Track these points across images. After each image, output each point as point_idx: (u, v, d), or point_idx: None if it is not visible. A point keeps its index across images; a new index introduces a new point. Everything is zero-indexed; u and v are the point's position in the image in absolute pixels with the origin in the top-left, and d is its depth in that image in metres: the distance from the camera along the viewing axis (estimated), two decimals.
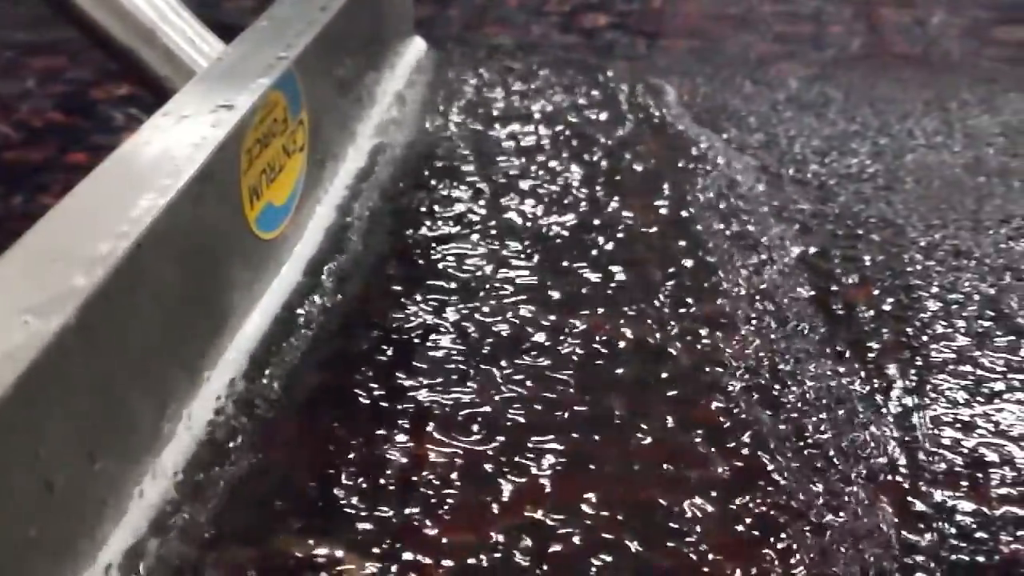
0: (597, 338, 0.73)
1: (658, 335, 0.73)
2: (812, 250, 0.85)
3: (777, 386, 0.69)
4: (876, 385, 0.69)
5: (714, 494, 0.59)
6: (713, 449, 0.63)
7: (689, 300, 0.78)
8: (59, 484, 0.46)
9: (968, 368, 0.71)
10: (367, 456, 0.62)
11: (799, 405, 0.67)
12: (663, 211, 0.91)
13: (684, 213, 0.90)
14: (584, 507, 0.58)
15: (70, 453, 0.48)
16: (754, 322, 0.75)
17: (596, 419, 0.65)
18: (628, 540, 0.56)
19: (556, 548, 0.56)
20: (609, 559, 0.55)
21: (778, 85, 1.20)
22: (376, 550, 0.55)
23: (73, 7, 0.82)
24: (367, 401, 0.67)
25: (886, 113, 1.13)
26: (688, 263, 0.82)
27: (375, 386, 0.68)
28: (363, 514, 0.57)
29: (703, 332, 0.74)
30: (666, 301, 0.77)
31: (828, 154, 1.03)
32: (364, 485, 0.59)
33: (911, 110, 1.14)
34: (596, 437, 0.64)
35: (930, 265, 0.83)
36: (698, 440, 0.64)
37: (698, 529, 0.57)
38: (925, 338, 0.74)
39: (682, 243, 0.85)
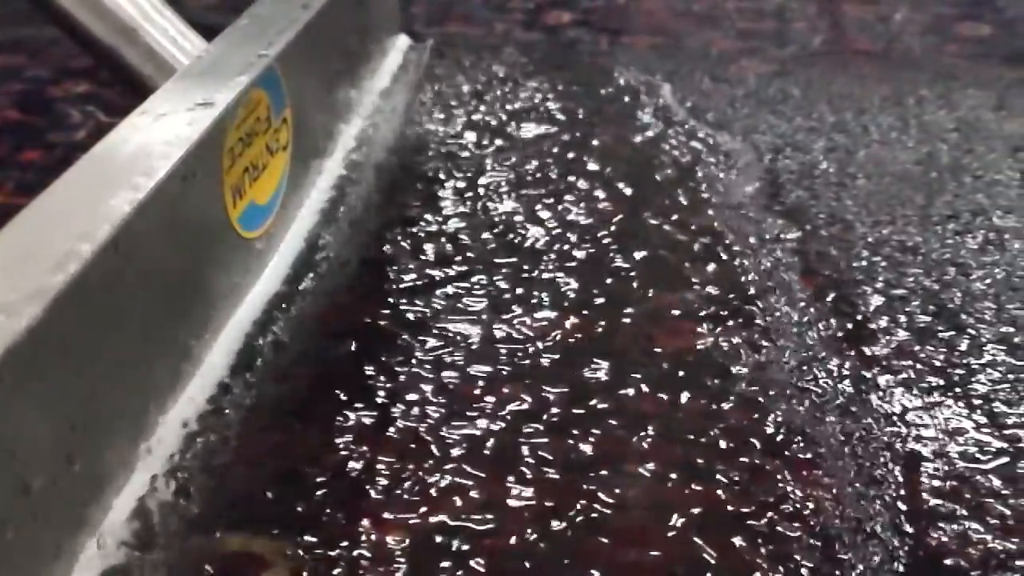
0: (553, 337, 0.73)
1: (603, 326, 0.74)
2: (757, 245, 0.85)
3: (717, 379, 0.69)
4: (816, 377, 0.69)
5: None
6: (644, 444, 0.63)
7: (636, 293, 0.78)
8: (36, 486, 0.46)
9: (907, 362, 0.72)
10: (335, 461, 0.62)
11: (740, 396, 0.67)
12: (616, 204, 0.91)
13: (633, 205, 0.91)
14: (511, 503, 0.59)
15: (48, 454, 0.47)
16: (699, 314, 0.76)
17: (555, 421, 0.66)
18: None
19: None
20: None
21: (737, 82, 1.20)
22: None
23: (53, 4, 0.81)
24: (346, 406, 0.67)
25: (843, 109, 1.13)
26: (638, 255, 0.83)
27: (356, 392, 0.68)
28: (325, 517, 0.58)
29: (647, 326, 0.74)
30: (618, 294, 0.78)
31: (783, 150, 1.03)
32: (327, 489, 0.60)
33: (868, 106, 1.14)
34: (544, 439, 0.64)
35: (875, 260, 0.84)
36: (622, 432, 0.64)
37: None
38: (865, 332, 0.75)
39: (630, 237, 0.86)
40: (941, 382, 0.70)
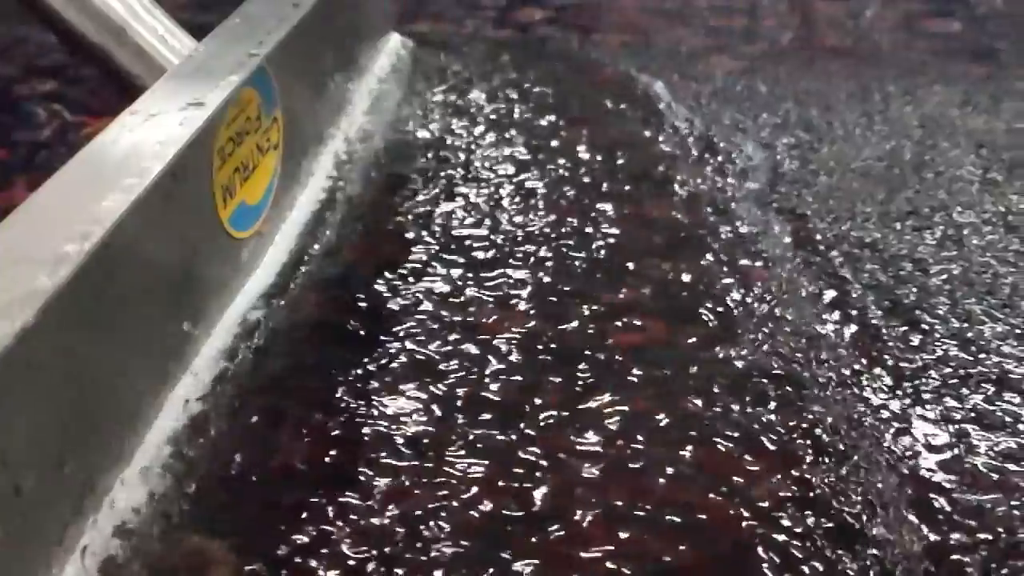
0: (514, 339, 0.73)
1: (563, 325, 0.74)
2: (714, 240, 0.86)
3: (668, 371, 0.69)
4: (769, 372, 0.70)
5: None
6: (606, 436, 0.64)
7: (598, 291, 0.78)
8: (27, 487, 0.46)
9: (858, 356, 0.72)
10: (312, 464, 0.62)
11: (685, 389, 0.68)
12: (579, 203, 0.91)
13: (587, 201, 0.91)
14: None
15: (38, 456, 0.47)
16: (652, 309, 0.76)
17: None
18: None
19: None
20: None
21: (704, 79, 1.21)
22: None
23: (43, 4, 0.81)
24: (332, 405, 0.66)
25: (809, 106, 1.14)
26: (595, 246, 0.83)
27: (342, 393, 0.68)
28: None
29: (611, 319, 0.74)
30: (579, 289, 0.78)
31: (745, 148, 1.04)
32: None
33: (834, 103, 1.15)
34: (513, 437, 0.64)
35: (832, 256, 0.84)
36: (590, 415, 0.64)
37: None
38: (817, 327, 0.75)
39: (588, 229, 0.86)
40: (891, 377, 0.71)
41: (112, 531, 0.53)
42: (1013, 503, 0.60)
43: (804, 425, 0.65)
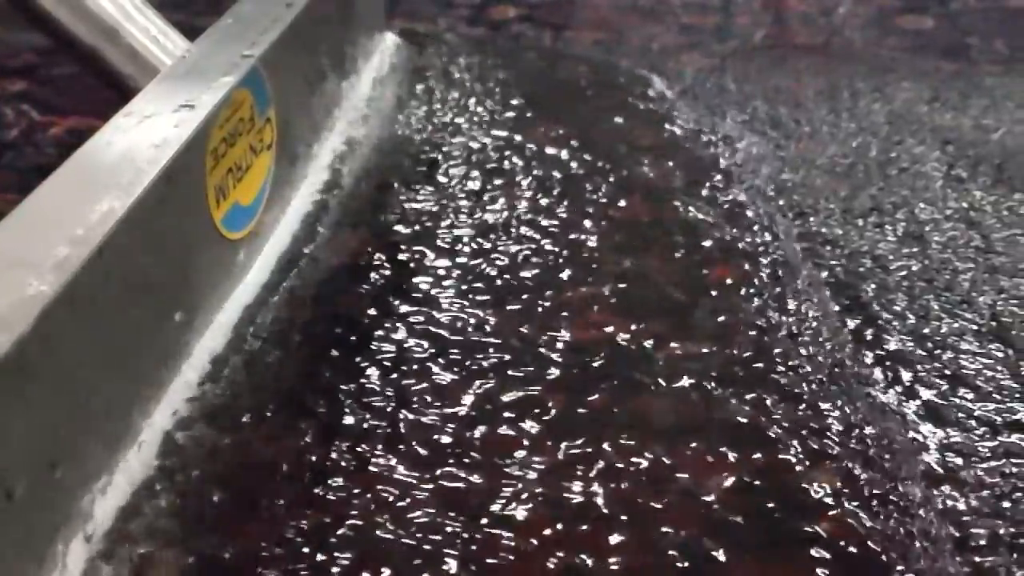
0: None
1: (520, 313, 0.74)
2: (675, 237, 0.86)
3: (625, 367, 0.70)
4: (724, 367, 0.70)
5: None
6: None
7: (559, 283, 0.78)
8: (19, 491, 0.46)
9: (816, 353, 0.73)
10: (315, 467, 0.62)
11: (648, 383, 0.68)
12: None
13: (560, 198, 0.91)
14: None
15: (31, 460, 0.47)
16: (612, 304, 0.76)
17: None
18: None
19: None
20: None
21: (675, 77, 1.21)
22: None
23: (35, 6, 0.80)
24: (324, 410, 0.66)
25: (777, 103, 1.14)
26: (565, 240, 0.83)
27: (338, 394, 0.67)
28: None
29: (572, 313, 0.74)
30: (537, 283, 0.78)
31: (714, 146, 1.04)
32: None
33: (803, 100, 1.15)
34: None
35: (793, 252, 0.85)
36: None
37: None
38: (773, 322, 0.75)
39: (554, 226, 0.86)
40: (843, 373, 0.71)
41: (109, 534, 0.53)
42: (968, 497, 0.61)
43: (762, 418, 0.66)
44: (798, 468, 0.62)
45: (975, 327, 0.76)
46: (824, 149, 1.03)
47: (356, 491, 0.59)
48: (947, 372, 0.71)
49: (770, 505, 0.59)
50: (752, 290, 0.80)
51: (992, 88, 1.18)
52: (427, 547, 0.55)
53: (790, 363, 0.72)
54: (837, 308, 0.77)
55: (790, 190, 0.95)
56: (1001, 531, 0.59)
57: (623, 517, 0.57)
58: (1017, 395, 0.69)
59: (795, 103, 1.14)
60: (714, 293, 0.79)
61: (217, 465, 0.60)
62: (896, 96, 1.16)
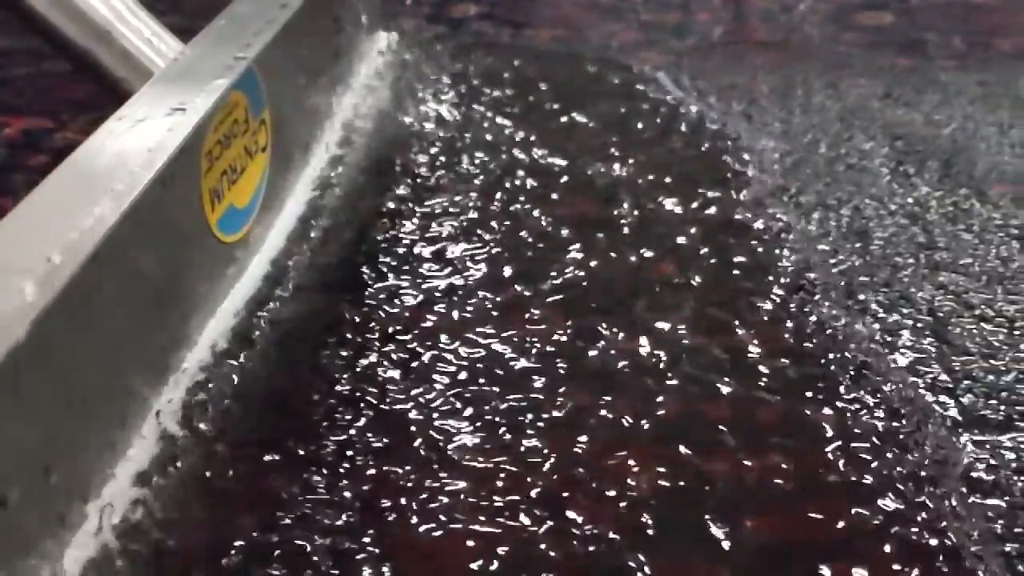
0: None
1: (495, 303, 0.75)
2: (621, 233, 0.86)
3: (565, 363, 0.70)
4: (674, 364, 0.71)
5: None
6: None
7: (535, 277, 0.79)
8: (12, 499, 0.45)
9: (750, 345, 0.73)
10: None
11: (611, 382, 0.68)
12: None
13: (500, 195, 0.91)
14: None
15: (24, 468, 0.47)
16: (554, 302, 0.77)
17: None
18: None
19: None
20: None
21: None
22: None
23: (26, 6, 0.80)
24: (320, 412, 0.67)
25: (730, 100, 1.14)
26: (530, 238, 0.84)
27: (325, 398, 0.68)
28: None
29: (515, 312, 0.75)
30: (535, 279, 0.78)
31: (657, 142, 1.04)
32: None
33: (757, 97, 1.15)
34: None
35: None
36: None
37: None
38: (720, 318, 0.76)
39: (506, 223, 0.86)
40: (779, 367, 0.71)
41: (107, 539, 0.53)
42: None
43: (697, 410, 0.66)
44: (734, 457, 0.63)
45: (911, 322, 0.76)
46: (774, 145, 1.04)
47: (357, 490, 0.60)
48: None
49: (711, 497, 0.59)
50: (693, 283, 0.80)
51: (946, 84, 1.19)
52: None
53: (721, 356, 0.72)
54: (793, 302, 0.78)
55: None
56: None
57: None
58: (947, 389, 0.70)
59: (749, 100, 1.14)
60: (657, 289, 0.80)
61: (215, 469, 0.60)
62: (850, 92, 1.17)
